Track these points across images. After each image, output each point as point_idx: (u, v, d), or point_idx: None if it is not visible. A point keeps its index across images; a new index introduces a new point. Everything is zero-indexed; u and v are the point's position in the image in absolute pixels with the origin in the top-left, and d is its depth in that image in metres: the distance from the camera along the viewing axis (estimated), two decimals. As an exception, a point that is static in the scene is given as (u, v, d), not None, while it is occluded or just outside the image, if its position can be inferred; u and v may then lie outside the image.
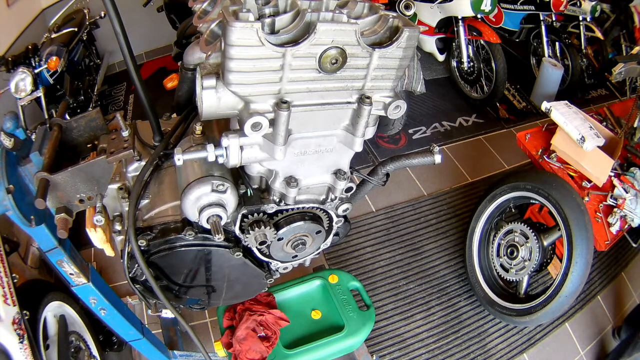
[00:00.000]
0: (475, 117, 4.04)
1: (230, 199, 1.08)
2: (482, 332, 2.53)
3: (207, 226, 1.07)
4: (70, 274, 1.32)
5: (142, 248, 1.13)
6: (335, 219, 1.30)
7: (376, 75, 0.92)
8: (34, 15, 3.98)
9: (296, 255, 1.34)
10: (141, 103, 1.13)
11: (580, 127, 2.28)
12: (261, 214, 1.18)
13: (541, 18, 4.05)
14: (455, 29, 3.88)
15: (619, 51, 4.38)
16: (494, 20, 4.31)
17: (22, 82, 2.84)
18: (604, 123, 2.71)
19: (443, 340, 2.48)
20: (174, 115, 1.35)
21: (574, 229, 2.03)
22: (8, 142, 1.06)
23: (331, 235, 1.37)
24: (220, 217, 1.06)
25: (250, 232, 1.15)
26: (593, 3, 3.98)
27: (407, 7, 3.40)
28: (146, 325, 1.73)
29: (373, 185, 1.34)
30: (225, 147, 0.96)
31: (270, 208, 1.16)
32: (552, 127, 2.55)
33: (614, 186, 2.32)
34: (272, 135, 0.93)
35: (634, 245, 2.58)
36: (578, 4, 4.02)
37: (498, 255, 2.44)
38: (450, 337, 2.50)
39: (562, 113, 2.34)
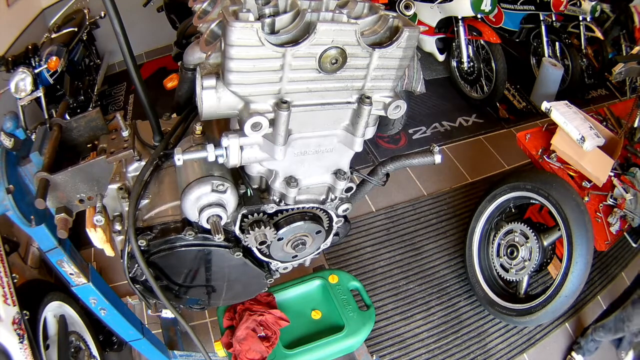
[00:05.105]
0: (475, 117, 4.03)
1: (230, 199, 1.08)
2: (482, 332, 2.53)
3: (207, 226, 1.07)
4: (70, 274, 1.32)
5: (142, 248, 1.13)
6: (335, 219, 1.30)
7: (376, 75, 0.91)
8: (34, 15, 3.97)
9: (296, 255, 1.34)
10: (141, 103, 1.13)
11: (580, 127, 2.28)
12: (261, 214, 1.17)
13: (541, 18, 4.05)
14: (455, 29, 3.88)
15: (619, 51, 4.38)
16: (494, 20, 4.31)
17: (22, 82, 2.84)
18: (604, 123, 2.71)
19: (443, 340, 2.48)
20: (174, 115, 1.35)
21: (574, 229, 2.03)
22: (8, 142, 1.06)
23: (331, 235, 1.37)
24: (220, 217, 1.06)
25: (250, 232, 1.15)
26: (593, 3, 3.98)
27: (407, 7, 3.40)
28: (146, 325, 1.73)
29: (373, 185, 1.34)
30: (225, 147, 0.96)
31: (270, 208, 1.16)
32: (552, 127, 2.55)
33: (614, 186, 2.32)
34: (272, 135, 0.93)
35: (634, 245, 2.58)
36: (578, 4, 4.01)
37: (498, 255, 2.44)
38: (450, 337, 2.50)
39: (562, 113, 2.34)
